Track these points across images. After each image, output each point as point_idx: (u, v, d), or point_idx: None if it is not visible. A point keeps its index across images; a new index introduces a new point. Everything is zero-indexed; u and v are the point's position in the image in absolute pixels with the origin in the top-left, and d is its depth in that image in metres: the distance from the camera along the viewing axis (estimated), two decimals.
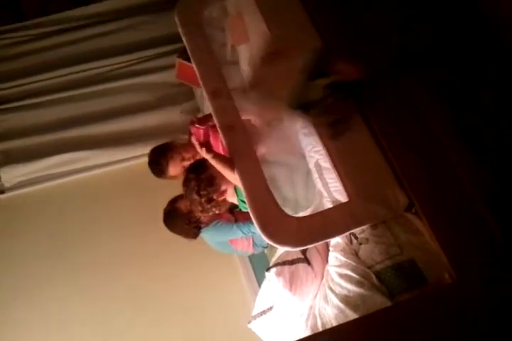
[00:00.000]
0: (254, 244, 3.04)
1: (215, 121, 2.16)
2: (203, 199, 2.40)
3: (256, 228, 1.91)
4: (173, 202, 2.92)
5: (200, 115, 3.74)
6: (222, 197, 2.43)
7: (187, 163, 2.85)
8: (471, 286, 1.70)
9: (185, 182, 2.49)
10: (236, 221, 2.95)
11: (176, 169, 2.83)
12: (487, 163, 1.85)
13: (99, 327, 3.49)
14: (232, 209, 3.11)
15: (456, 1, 2.17)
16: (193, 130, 2.99)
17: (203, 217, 2.89)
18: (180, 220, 2.85)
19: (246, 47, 2.66)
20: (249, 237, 2.98)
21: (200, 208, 2.44)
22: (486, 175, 1.83)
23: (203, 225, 2.89)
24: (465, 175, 1.82)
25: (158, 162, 2.87)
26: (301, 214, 2.39)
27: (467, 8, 2.15)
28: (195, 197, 2.42)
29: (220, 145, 2.58)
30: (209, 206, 2.43)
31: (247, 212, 1.96)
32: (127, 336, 3.47)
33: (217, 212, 2.50)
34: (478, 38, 2.11)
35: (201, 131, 2.93)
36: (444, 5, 2.16)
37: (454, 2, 2.16)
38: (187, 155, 2.86)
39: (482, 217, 1.76)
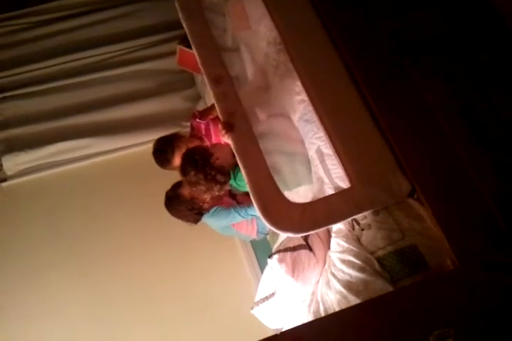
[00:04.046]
0: (257, 230, 3.05)
1: (216, 107, 2.16)
2: (201, 175, 2.38)
3: (255, 210, 1.92)
4: (177, 187, 2.91)
5: (200, 102, 3.75)
6: (218, 161, 2.41)
7: None
8: (473, 272, 1.70)
9: (183, 165, 2.49)
10: (239, 203, 2.96)
11: (180, 159, 2.83)
12: (490, 150, 1.84)
13: (99, 313, 3.51)
14: (234, 194, 3.12)
15: None
16: (194, 124, 3.00)
17: (205, 204, 2.89)
18: (183, 206, 2.85)
19: (247, 34, 2.64)
20: (254, 223, 2.99)
21: (203, 182, 2.41)
22: (489, 161, 1.83)
23: (204, 211, 2.89)
24: (468, 162, 1.82)
25: (164, 150, 2.86)
26: (294, 190, 2.40)
27: None
28: (193, 173, 2.40)
29: (221, 136, 2.58)
30: (210, 176, 2.40)
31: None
32: (128, 321, 3.49)
33: (220, 183, 2.45)
34: (482, 25, 2.10)
35: (202, 125, 2.95)
36: None
37: None
38: (192, 146, 2.86)
39: (485, 203, 1.76)
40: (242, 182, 2.41)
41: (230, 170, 2.45)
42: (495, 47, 2.05)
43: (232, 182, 2.55)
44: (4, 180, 3.75)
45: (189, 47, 3.13)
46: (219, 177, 2.41)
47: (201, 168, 2.38)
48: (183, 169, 2.46)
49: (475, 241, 1.72)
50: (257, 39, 2.56)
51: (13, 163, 3.71)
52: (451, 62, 1.98)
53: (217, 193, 2.56)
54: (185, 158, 2.49)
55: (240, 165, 2.02)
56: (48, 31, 3.85)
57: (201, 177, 2.39)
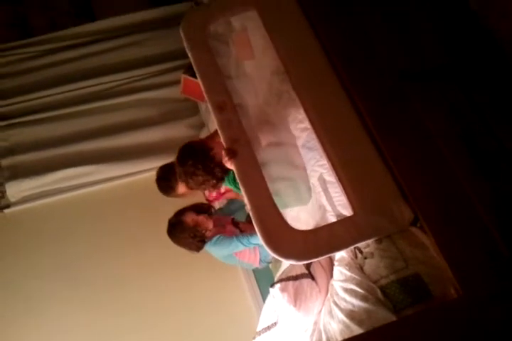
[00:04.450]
0: (260, 259, 3.03)
1: (220, 134, 2.18)
2: (199, 165, 2.34)
3: (258, 239, 1.91)
4: (180, 214, 2.92)
5: (204, 130, 3.77)
6: (217, 156, 2.36)
7: None
8: (477, 301, 1.68)
9: (181, 155, 2.44)
10: (242, 232, 2.95)
11: (184, 186, 2.84)
12: (494, 178, 1.84)
13: None
14: (237, 222, 3.12)
15: (460, 17, 2.19)
16: None
17: (208, 232, 2.89)
18: (186, 233, 2.85)
19: (251, 64, 2.68)
20: (257, 251, 2.98)
21: (201, 173, 2.34)
22: (493, 190, 1.82)
23: (207, 239, 2.88)
24: (471, 190, 1.81)
25: (167, 178, 2.87)
26: (295, 217, 2.38)
27: (471, 24, 2.17)
28: (191, 163, 2.35)
29: (224, 162, 2.59)
30: (209, 168, 2.34)
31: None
32: None
33: (217, 178, 2.39)
34: (483, 54, 2.13)
35: None
36: (449, 21, 2.18)
37: (458, 18, 2.19)
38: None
39: (488, 231, 1.74)
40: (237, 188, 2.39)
41: (226, 169, 2.40)
42: (495, 74, 2.07)
43: (231, 185, 2.54)
44: (7, 206, 3.75)
45: (194, 76, 3.17)
46: (217, 171, 2.34)
47: (201, 158, 2.34)
48: (181, 159, 2.39)
49: (479, 270, 1.70)
50: (260, 68, 2.60)
51: (16, 189, 3.72)
52: (451, 89, 1.99)
53: (210, 188, 2.50)
54: (184, 149, 2.43)
55: (243, 191, 2.02)
56: (55, 60, 3.91)
57: (199, 167, 2.32)
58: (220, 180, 2.42)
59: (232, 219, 3.16)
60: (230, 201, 3.33)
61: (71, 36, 3.95)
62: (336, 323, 2.01)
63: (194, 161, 2.35)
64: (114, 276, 3.58)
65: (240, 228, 3.03)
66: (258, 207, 1.96)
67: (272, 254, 1.87)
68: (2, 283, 3.54)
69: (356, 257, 2.07)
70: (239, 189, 2.41)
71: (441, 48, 2.13)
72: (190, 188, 2.57)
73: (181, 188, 2.84)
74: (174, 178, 2.80)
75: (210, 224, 2.92)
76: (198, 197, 3.19)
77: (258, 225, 1.91)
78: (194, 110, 3.98)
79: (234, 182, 2.48)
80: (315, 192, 2.31)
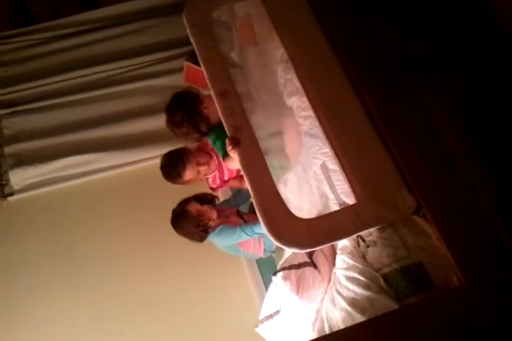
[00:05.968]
0: (264, 249, 3.03)
1: (223, 122, 2.17)
2: (186, 117, 2.44)
3: (261, 229, 1.91)
4: (184, 203, 2.91)
5: None
6: (206, 110, 2.40)
7: (202, 168, 2.87)
8: (479, 290, 1.68)
9: (172, 103, 2.54)
10: (246, 222, 2.95)
11: (192, 172, 2.84)
12: (497, 168, 1.84)
13: (101, 331, 3.47)
14: (242, 213, 3.11)
15: (464, 4, 2.18)
16: None
17: (212, 222, 2.88)
18: (189, 223, 2.84)
19: (255, 51, 2.67)
20: (261, 241, 2.98)
21: (186, 124, 2.45)
22: (495, 179, 1.82)
23: (210, 230, 2.88)
24: (474, 179, 1.81)
25: (175, 164, 2.85)
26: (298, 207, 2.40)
27: (475, 11, 2.16)
28: (179, 113, 2.44)
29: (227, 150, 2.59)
30: (194, 120, 2.43)
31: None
32: (131, 338, 3.46)
33: (201, 132, 2.48)
34: (486, 41, 2.11)
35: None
36: (453, 7, 2.17)
37: (462, 5, 2.18)
38: (201, 160, 2.87)
39: (491, 220, 1.75)
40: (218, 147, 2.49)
41: (212, 125, 2.42)
42: (498, 61, 2.06)
43: (214, 145, 2.57)
44: (11, 194, 3.75)
45: (197, 63, 3.16)
46: (202, 126, 2.43)
47: (189, 110, 2.39)
48: (171, 107, 2.48)
49: (481, 260, 1.70)
50: (264, 56, 2.59)
51: (20, 177, 3.72)
52: (454, 76, 1.99)
53: (194, 142, 2.63)
54: (176, 97, 2.50)
55: (246, 179, 2.02)
56: (58, 47, 3.89)
57: (185, 120, 2.42)
58: (204, 134, 2.47)
59: (237, 210, 3.15)
60: (236, 193, 3.32)
61: (73, 24, 3.93)
62: (339, 311, 2.02)
63: (182, 112, 2.40)
64: (115, 264, 3.58)
65: (244, 219, 3.03)
66: (261, 195, 1.96)
67: (274, 242, 1.87)
68: (3, 269, 3.56)
69: (359, 245, 2.07)
70: (221, 150, 2.43)
71: (444, 36, 2.12)
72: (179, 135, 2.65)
73: (188, 174, 2.84)
74: (182, 164, 2.80)
75: (213, 215, 2.91)
76: (203, 187, 3.17)
77: (261, 213, 1.91)
78: None
79: (215, 141, 2.49)
80: (317, 181, 2.30)
